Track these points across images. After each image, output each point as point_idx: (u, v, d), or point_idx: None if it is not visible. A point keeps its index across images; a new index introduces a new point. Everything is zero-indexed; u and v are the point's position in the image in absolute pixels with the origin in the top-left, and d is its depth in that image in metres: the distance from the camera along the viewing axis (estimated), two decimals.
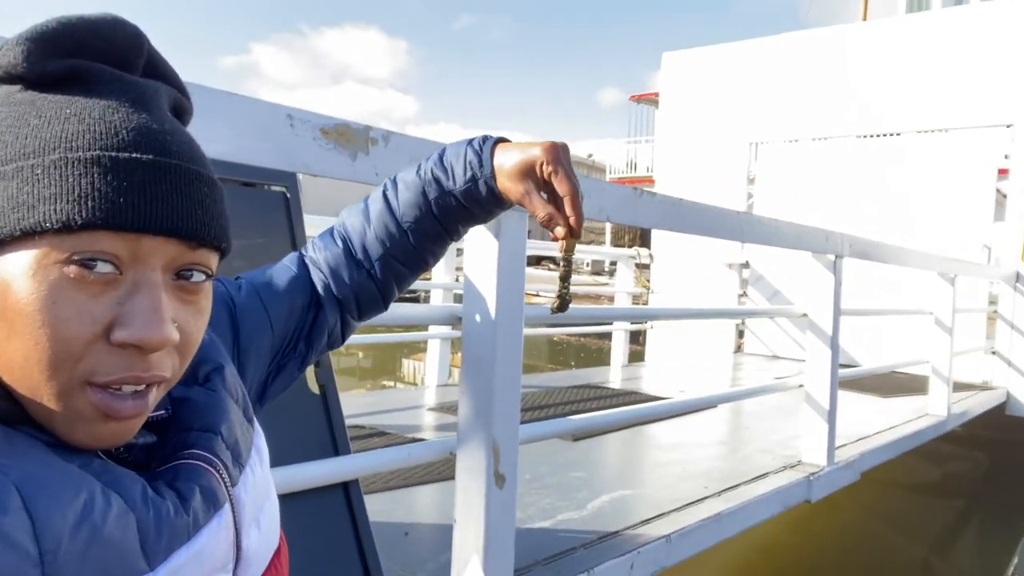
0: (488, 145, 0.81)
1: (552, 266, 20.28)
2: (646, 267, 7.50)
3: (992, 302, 6.20)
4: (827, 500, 4.25)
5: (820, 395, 2.98)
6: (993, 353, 5.97)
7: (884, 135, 6.73)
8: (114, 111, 0.48)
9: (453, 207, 0.83)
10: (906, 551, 5.24)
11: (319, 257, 0.84)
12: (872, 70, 6.73)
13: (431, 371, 4.70)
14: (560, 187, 0.76)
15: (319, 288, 0.83)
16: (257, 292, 0.77)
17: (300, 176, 1.70)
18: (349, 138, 1.27)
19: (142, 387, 0.48)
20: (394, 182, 0.86)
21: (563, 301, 0.84)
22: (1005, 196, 6.13)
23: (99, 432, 0.47)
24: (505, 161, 0.79)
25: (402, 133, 1.37)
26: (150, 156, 0.48)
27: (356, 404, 4.06)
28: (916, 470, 5.92)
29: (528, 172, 0.77)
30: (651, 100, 19.86)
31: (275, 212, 1.68)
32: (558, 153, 0.77)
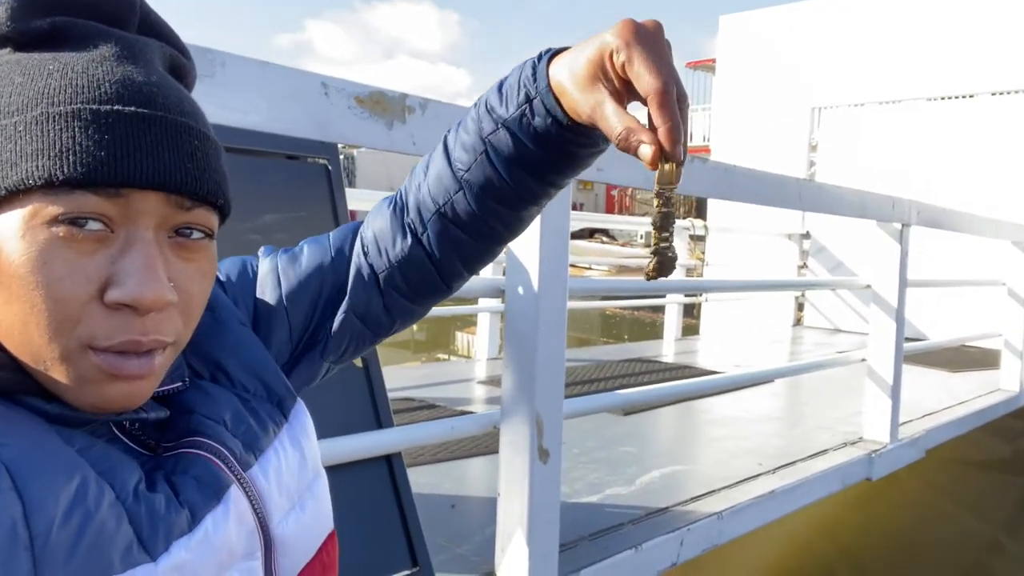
0: (548, 54, 0.59)
1: (605, 239, 20.01)
2: (701, 239, 7.33)
3: None
4: (891, 477, 4.11)
5: (884, 370, 2.85)
6: None
7: (956, 97, 6.38)
8: (98, 65, 0.46)
9: (511, 147, 0.60)
10: (975, 530, 5.05)
11: (367, 230, 0.70)
12: (943, 28, 6.36)
13: (481, 344, 4.71)
14: (640, 82, 0.52)
15: (352, 269, 0.70)
16: (277, 271, 0.70)
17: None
18: (385, 106, 1.24)
19: (144, 351, 0.46)
20: (461, 122, 0.67)
21: (661, 262, 0.59)
22: None
23: (108, 394, 0.46)
24: (567, 66, 0.56)
25: (440, 101, 1.33)
26: (133, 108, 0.45)
27: (408, 377, 4.10)
28: (985, 446, 5.68)
29: (597, 72, 0.54)
30: (708, 67, 19.30)
31: (317, 184, 1.67)
32: (637, 32, 0.53)
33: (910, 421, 3.29)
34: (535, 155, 0.61)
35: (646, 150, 0.52)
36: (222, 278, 0.68)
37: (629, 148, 0.53)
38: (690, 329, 7.09)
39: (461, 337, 11.23)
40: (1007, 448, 5.77)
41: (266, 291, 0.69)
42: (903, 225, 2.81)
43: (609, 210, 25.19)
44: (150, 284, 0.45)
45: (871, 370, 2.88)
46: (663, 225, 0.57)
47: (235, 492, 0.51)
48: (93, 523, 0.41)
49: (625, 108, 0.55)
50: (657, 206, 0.57)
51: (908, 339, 3.09)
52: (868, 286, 2.90)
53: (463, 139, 0.63)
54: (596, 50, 0.54)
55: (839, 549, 4.18)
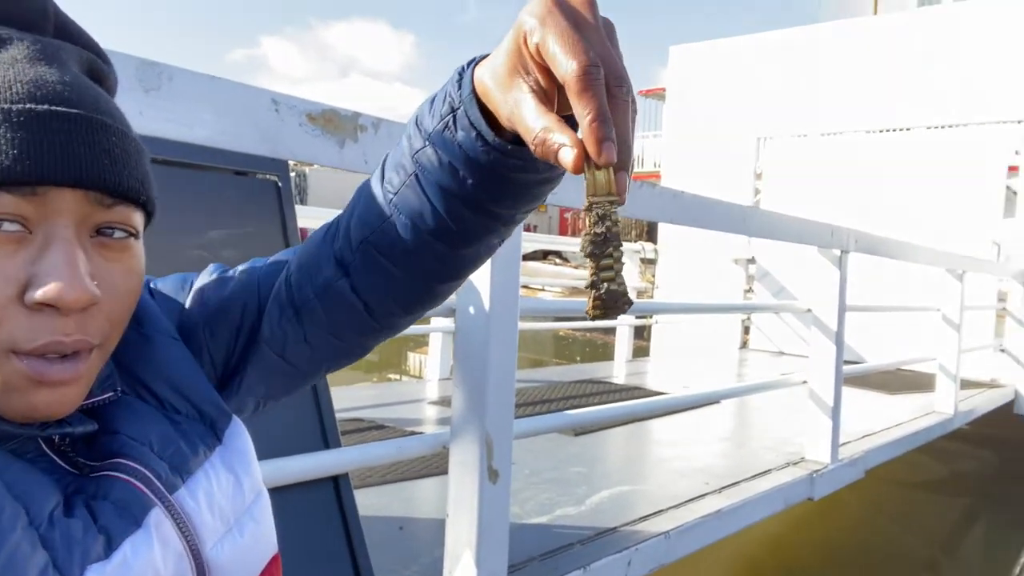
0: (479, 57, 0.50)
1: (558, 260, 20.16)
2: (652, 262, 7.46)
3: (1001, 299, 6.13)
4: (833, 497, 4.21)
5: (824, 391, 2.94)
6: (1002, 351, 5.90)
7: (894, 130, 6.66)
8: (9, 67, 0.45)
9: (437, 168, 0.51)
10: (913, 549, 5.20)
11: (296, 256, 0.63)
12: (882, 64, 6.66)
13: (432, 365, 4.68)
14: (555, 65, 0.42)
15: (272, 298, 0.63)
16: (204, 292, 0.65)
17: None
18: (337, 125, 1.24)
19: (69, 353, 0.46)
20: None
21: (602, 299, 0.46)
22: (1015, 193, 6.06)
23: (34, 401, 0.45)
24: (490, 64, 0.47)
25: (394, 120, 1.34)
26: (46, 106, 0.44)
27: (357, 397, 4.05)
28: (923, 468, 5.87)
29: (516, 64, 0.45)
30: (658, 95, 19.77)
31: (267, 201, 1.65)
32: (554, 6, 0.43)
33: (850, 442, 3.39)
34: (465, 179, 0.50)
35: (566, 154, 0.42)
36: (160, 289, 0.65)
37: (548, 153, 0.43)
38: (641, 351, 7.18)
39: (413, 357, 11.14)
40: (944, 469, 5.98)
41: (192, 311, 0.64)
42: (842, 251, 2.91)
43: (563, 232, 25.42)
44: (71, 282, 0.44)
45: (812, 392, 2.96)
46: (594, 251, 0.45)
47: (157, 516, 0.49)
48: (6, 547, 0.40)
49: (554, 107, 0.45)
50: (588, 226, 0.45)
51: (848, 362, 3.19)
52: (809, 310, 2.99)
53: (396, 157, 0.55)
54: (512, 36, 0.45)
55: (784, 567, 4.25)
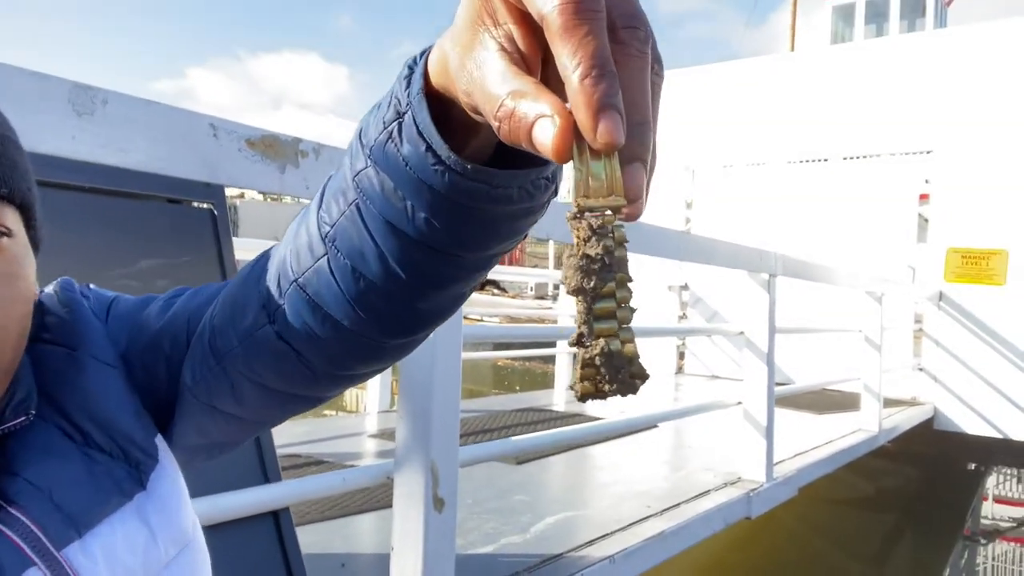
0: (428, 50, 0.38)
1: (495, 291, 20.16)
2: None
3: (918, 321, 6.46)
4: (769, 517, 4.28)
5: (758, 412, 3.02)
6: (920, 370, 6.20)
7: (813, 161, 6.99)
8: None
9: (380, 194, 0.39)
10: (844, 566, 5.35)
11: (223, 293, 0.53)
12: (800, 98, 7.00)
13: (372, 397, 4.61)
14: (534, 4, 0.30)
15: (195, 341, 0.54)
16: (136, 324, 0.57)
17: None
18: (277, 150, 1.23)
19: None
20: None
21: (596, 364, 0.31)
22: (927, 220, 6.42)
23: None
24: (449, 36, 0.35)
25: (335, 147, 1.33)
26: None
27: (292, 433, 3.93)
28: (852, 486, 6.07)
29: (481, 11, 0.33)
30: None
31: (201, 230, 1.61)
32: None
33: (783, 461, 3.48)
34: (415, 212, 0.38)
35: (544, 129, 0.29)
36: (119, 309, 0.58)
37: (517, 131, 0.30)
38: None
39: (349, 392, 10.92)
40: (871, 487, 6.20)
41: (136, 340, 0.57)
42: (770, 275, 3.02)
43: (499, 263, 25.52)
44: None
45: (746, 412, 3.04)
46: (585, 286, 0.31)
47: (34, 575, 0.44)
48: None
49: (535, 77, 0.32)
50: (577, 245, 0.31)
51: (779, 384, 3.29)
52: (741, 332, 3.08)
53: (337, 181, 0.43)
54: None
55: None
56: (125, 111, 1.03)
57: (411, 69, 0.38)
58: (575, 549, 2.16)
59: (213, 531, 1.33)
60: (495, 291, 19.73)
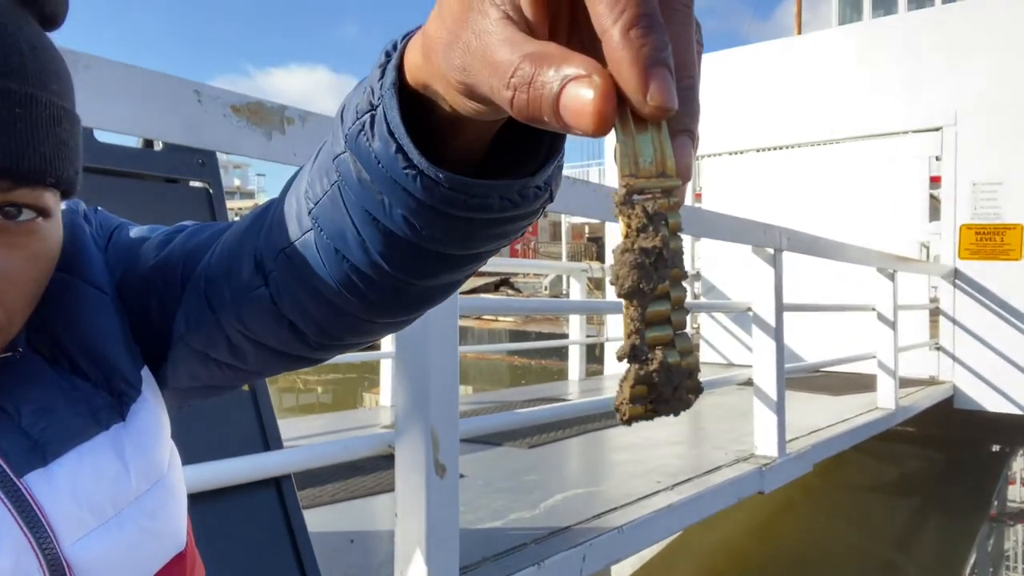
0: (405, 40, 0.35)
1: (510, 292, 20.12)
2: (600, 283, 7.55)
3: (933, 300, 6.38)
4: (788, 504, 4.25)
5: (768, 387, 3.00)
6: (938, 348, 6.13)
7: (822, 143, 6.94)
8: None
9: (357, 185, 0.37)
10: (868, 551, 5.30)
11: (222, 241, 0.51)
12: (808, 81, 6.96)
13: (385, 390, 4.63)
14: None
15: (190, 290, 0.52)
16: (140, 254, 0.55)
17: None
18: (263, 116, 1.25)
19: None
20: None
21: (653, 379, 0.26)
22: (939, 200, 6.36)
23: None
24: (435, 10, 0.31)
25: (322, 114, 1.35)
26: None
27: (308, 426, 3.98)
28: (873, 471, 6.02)
29: None
30: None
31: (198, 208, 1.64)
32: None
33: (797, 438, 3.46)
34: (391, 207, 0.36)
35: (580, 93, 0.25)
36: (125, 237, 0.57)
37: (539, 102, 0.26)
38: (595, 374, 7.22)
39: (369, 398, 10.97)
40: (894, 471, 6.14)
41: (116, 273, 0.55)
42: (775, 250, 3.00)
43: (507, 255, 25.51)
44: None
45: (758, 388, 3.03)
46: (641, 285, 0.26)
47: None
48: None
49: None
50: (630, 235, 0.26)
51: (792, 365, 3.27)
52: (749, 308, 3.07)
53: (324, 155, 0.40)
54: None
55: (743, 574, 4.28)
56: (107, 76, 1.05)
57: (388, 56, 0.34)
58: (583, 522, 2.16)
59: (215, 498, 1.35)
60: (509, 292, 19.75)
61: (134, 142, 1.59)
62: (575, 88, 0.25)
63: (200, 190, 1.65)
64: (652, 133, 0.25)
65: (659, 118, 0.25)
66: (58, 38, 0.49)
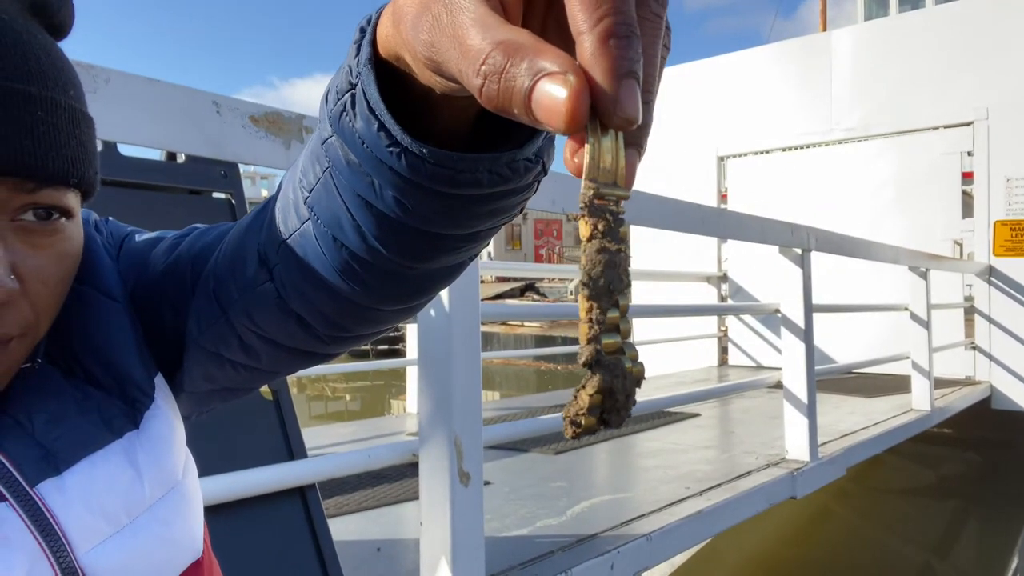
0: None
1: (535, 297, 20.09)
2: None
3: (968, 299, 6.24)
4: (823, 510, 4.16)
5: (799, 390, 2.95)
6: (973, 348, 5.99)
7: (850, 140, 6.82)
8: None
9: (345, 167, 0.36)
10: (907, 555, 5.18)
11: (229, 236, 0.52)
12: (835, 78, 6.85)
13: (411, 399, 4.64)
14: None
15: (200, 289, 0.52)
16: (146, 260, 0.56)
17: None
18: (281, 126, 1.25)
19: None
20: None
21: (611, 388, 0.26)
22: (972, 196, 6.21)
23: None
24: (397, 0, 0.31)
25: None
26: None
27: (337, 434, 4.00)
28: (911, 473, 5.89)
29: None
30: None
31: (220, 218, 1.65)
32: None
33: (829, 442, 3.39)
34: (381, 189, 0.35)
35: (553, 90, 0.24)
36: (133, 245, 0.58)
37: (509, 93, 0.25)
38: None
39: (396, 405, 11.03)
40: (931, 474, 6.00)
41: (129, 280, 0.56)
42: (803, 250, 2.95)
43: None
44: None
45: (788, 391, 2.98)
46: (601, 288, 0.26)
47: (2, 512, 0.43)
48: None
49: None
50: (592, 237, 0.26)
51: (822, 366, 3.21)
52: (777, 310, 3.02)
53: (313, 142, 0.40)
54: None
55: None
56: (127, 89, 1.06)
57: (363, 32, 0.33)
58: (611, 529, 2.13)
59: (240, 508, 1.35)
60: (535, 297, 19.72)
61: (157, 155, 1.61)
62: (548, 84, 0.24)
63: (223, 201, 1.67)
64: (613, 138, 0.25)
65: (624, 129, 0.25)
66: (71, 48, 0.49)
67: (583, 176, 0.25)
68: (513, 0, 0.27)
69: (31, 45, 0.42)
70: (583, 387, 0.26)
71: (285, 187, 0.44)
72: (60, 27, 0.46)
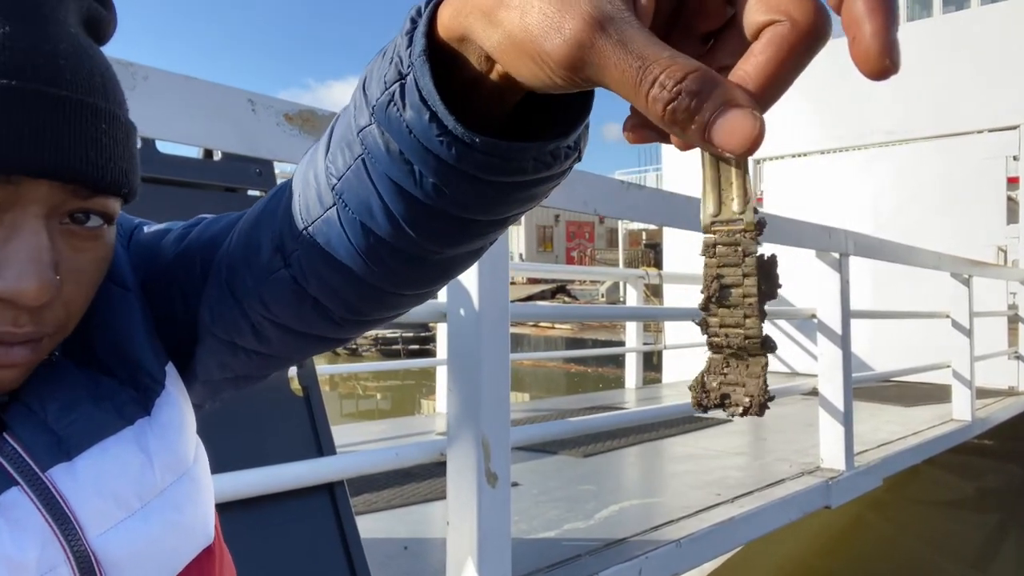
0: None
1: (567, 299, 20.07)
2: (657, 288, 7.44)
3: (1012, 306, 6.06)
4: (858, 521, 4.06)
5: (835, 397, 2.89)
6: (1017, 357, 5.82)
7: (891, 143, 6.68)
8: None
9: (385, 155, 0.37)
10: (944, 570, 5.05)
11: (241, 223, 0.52)
12: (875, 80, 6.72)
13: (441, 398, 4.66)
14: None
15: (213, 276, 0.53)
16: (157, 249, 0.57)
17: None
18: (315, 124, 1.26)
19: (16, 342, 0.43)
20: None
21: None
22: (1017, 202, 6.04)
23: None
24: None
25: None
26: (34, 85, 0.40)
27: (368, 431, 4.03)
28: (949, 485, 5.74)
29: None
30: None
31: None
32: None
33: (866, 451, 3.32)
34: (422, 177, 0.36)
35: (741, 125, 0.26)
36: (143, 236, 0.59)
37: (685, 122, 0.27)
38: (652, 382, 7.11)
39: (427, 404, 11.08)
40: (971, 486, 5.84)
41: (140, 270, 0.57)
42: (841, 255, 2.89)
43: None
44: (32, 278, 0.41)
45: (823, 398, 2.92)
46: (715, 289, 0.28)
47: (14, 496, 0.43)
48: None
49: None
50: (712, 269, 0.28)
51: (859, 374, 3.14)
52: (813, 315, 2.96)
53: (342, 128, 0.41)
54: None
55: None
56: (165, 86, 1.08)
57: (414, 24, 0.34)
58: (640, 534, 2.11)
59: (269, 503, 1.37)
60: (566, 299, 19.67)
61: (194, 152, 1.63)
62: (734, 120, 0.26)
63: (258, 199, 1.69)
64: (740, 169, 0.28)
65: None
66: (113, 48, 0.51)
67: (707, 204, 0.29)
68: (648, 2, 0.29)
69: (95, 60, 0.44)
70: (696, 384, 0.31)
71: (304, 175, 0.45)
72: (104, 38, 0.49)
